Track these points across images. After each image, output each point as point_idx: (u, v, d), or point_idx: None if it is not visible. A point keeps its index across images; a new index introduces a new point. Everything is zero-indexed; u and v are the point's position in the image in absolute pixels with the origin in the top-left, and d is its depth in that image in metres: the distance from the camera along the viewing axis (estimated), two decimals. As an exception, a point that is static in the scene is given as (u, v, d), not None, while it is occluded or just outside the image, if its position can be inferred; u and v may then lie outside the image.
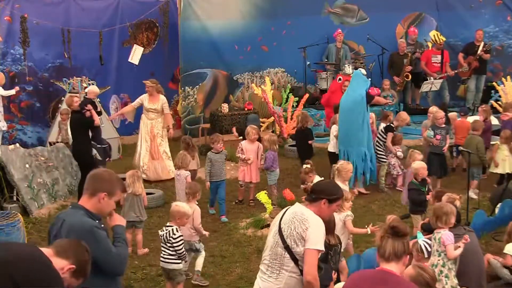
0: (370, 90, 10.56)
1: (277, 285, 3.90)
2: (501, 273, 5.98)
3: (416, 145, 10.81)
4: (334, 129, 9.33)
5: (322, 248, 3.88)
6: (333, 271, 5.03)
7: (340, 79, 11.67)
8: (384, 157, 9.27)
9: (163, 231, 5.77)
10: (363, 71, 9.53)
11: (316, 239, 3.83)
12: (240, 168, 8.91)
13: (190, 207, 6.06)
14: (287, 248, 3.88)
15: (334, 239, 5.30)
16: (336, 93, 11.24)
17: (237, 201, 8.93)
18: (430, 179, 7.63)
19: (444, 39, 13.19)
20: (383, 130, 9.36)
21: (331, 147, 9.47)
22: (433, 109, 9.96)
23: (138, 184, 6.99)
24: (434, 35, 13.23)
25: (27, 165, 8.57)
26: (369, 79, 9.97)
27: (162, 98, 10.07)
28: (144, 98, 10.07)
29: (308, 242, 3.83)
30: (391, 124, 9.43)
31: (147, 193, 7.78)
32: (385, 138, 9.31)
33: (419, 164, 7.26)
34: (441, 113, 9.31)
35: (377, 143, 9.31)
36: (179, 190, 7.74)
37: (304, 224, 3.87)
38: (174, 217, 5.79)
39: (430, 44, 13.37)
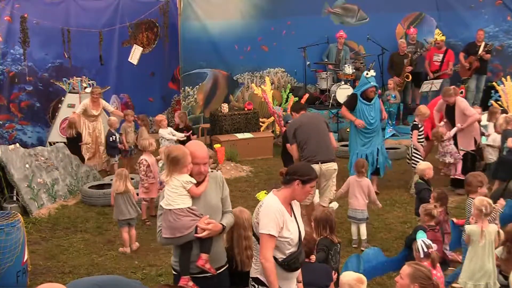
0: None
1: (255, 269, 4.13)
2: (498, 279, 5.98)
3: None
4: None
5: (272, 232, 3.93)
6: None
7: None
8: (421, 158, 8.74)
9: None
10: (371, 72, 8.91)
11: (263, 222, 3.96)
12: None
13: (363, 180, 7.00)
14: (254, 235, 4.13)
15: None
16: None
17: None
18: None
19: (443, 38, 13.19)
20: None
21: None
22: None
23: (129, 182, 7.12)
24: (436, 34, 13.31)
25: (27, 165, 8.57)
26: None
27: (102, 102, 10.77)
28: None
29: (259, 226, 3.99)
30: (415, 122, 9.03)
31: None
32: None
33: (425, 165, 7.23)
34: None
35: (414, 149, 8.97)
36: None
37: (259, 209, 4.06)
38: None
39: (433, 42, 13.37)
